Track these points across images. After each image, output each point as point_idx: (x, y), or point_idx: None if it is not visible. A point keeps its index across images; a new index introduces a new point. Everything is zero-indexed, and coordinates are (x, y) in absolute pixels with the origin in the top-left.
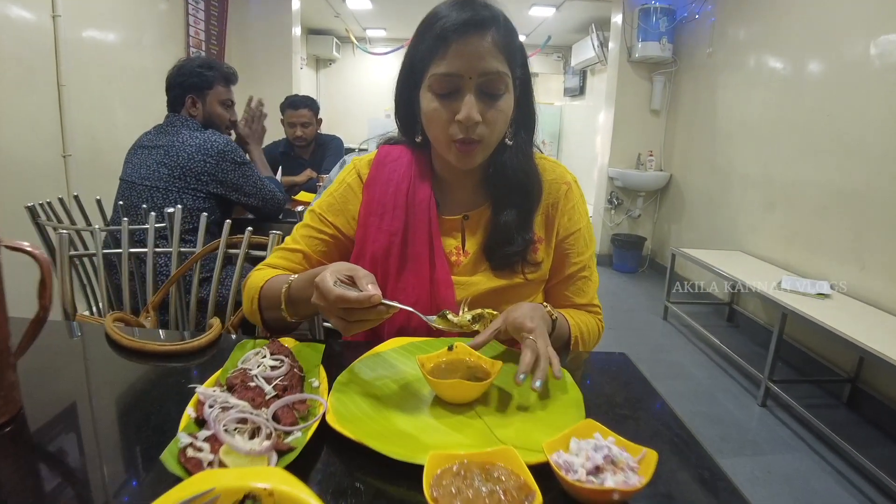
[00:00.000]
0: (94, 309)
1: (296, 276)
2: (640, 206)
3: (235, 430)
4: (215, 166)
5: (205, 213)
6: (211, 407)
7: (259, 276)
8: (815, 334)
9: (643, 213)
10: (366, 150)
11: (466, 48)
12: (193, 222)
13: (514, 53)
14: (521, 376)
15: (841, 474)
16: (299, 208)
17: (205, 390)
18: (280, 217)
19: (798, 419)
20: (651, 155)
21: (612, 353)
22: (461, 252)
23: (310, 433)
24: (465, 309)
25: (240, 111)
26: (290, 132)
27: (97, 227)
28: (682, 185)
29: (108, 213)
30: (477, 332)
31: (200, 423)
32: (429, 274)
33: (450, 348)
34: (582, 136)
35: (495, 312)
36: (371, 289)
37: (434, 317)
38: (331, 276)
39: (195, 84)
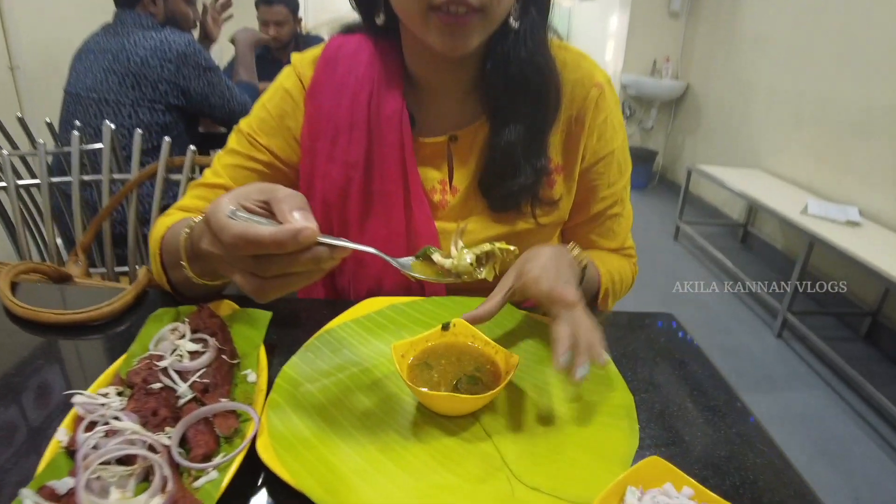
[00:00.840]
0: (40, 255)
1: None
2: (653, 118)
3: (117, 473)
4: (175, 72)
5: (139, 130)
6: (89, 430)
7: (163, 224)
8: (839, 263)
9: (656, 126)
10: None
11: None
12: (151, 141)
13: None
14: (563, 357)
15: (860, 415)
16: None
17: (87, 399)
18: None
19: (815, 353)
20: (668, 61)
21: (652, 314)
22: (447, 188)
23: (230, 473)
24: (460, 244)
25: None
26: (264, 31)
27: (4, 151)
28: (699, 95)
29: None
30: (484, 281)
31: (74, 454)
32: (403, 220)
33: (444, 328)
34: (593, 41)
35: (511, 248)
36: (298, 218)
37: (410, 259)
38: (229, 202)
39: None
